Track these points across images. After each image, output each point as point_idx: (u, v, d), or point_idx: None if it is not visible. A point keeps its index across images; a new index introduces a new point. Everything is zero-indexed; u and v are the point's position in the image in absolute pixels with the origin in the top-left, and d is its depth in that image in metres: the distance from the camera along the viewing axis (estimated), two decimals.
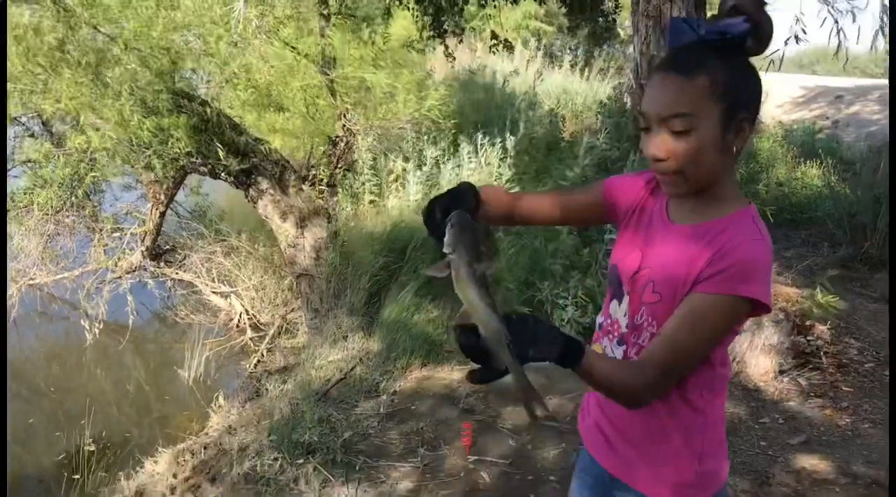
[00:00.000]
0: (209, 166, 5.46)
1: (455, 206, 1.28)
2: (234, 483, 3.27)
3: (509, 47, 8.66)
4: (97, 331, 5.99)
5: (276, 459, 3.36)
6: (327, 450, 3.42)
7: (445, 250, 1.23)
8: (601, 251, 4.81)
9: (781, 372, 3.95)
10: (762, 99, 1.28)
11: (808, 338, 4.08)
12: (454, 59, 7.73)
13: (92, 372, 5.96)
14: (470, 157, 6.75)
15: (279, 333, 5.85)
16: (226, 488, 3.24)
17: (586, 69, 12.88)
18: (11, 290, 6.38)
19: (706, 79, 1.18)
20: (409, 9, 6.68)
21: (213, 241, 6.50)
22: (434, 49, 7.70)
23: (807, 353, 4.02)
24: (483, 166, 6.72)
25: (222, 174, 5.57)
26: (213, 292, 6.27)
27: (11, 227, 6.14)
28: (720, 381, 1.37)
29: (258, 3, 5.40)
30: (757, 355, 3.99)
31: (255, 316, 6.13)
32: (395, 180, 6.68)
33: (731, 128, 1.21)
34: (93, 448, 4.42)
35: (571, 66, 13.03)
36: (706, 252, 1.23)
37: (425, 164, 6.74)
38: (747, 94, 1.22)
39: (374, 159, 6.76)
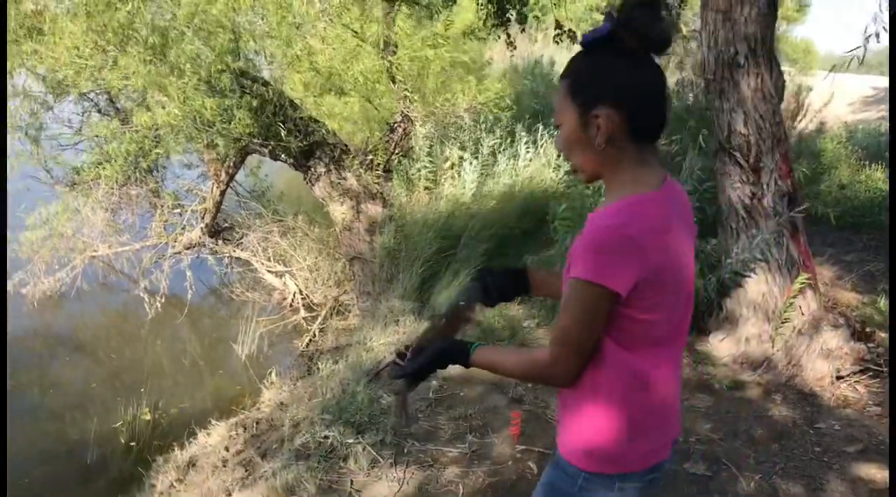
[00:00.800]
0: (270, 147, 5.55)
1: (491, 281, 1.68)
2: (284, 459, 3.33)
3: (573, 37, 8.58)
4: (157, 304, 6.16)
5: (326, 438, 3.41)
6: (377, 431, 3.46)
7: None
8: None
9: (839, 377, 3.85)
10: (645, 92, 1.34)
11: (869, 344, 3.97)
12: (515, 48, 7.68)
13: (150, 344, 6.14)
14: (528, 148, 6.72)
15: (331, 314, 5.93)
16: (276, 464, 3.30)
17: None
18: (75, 261, 6.60)
19: (568, 81, 1.36)
20: None
21: (270, 221, 6.61)
22: (497, 38, 7.66)
23: (866, 360, 3.91)
24: (541, 157, 6.68)
25: (282, 155, 5.66)
26: (269, 271, 6.39)
27: (79, 200, 6.34)
28: (620, 368, 1.41)
29: None
30: (814, 359, 3.90)
31: (308, 296, 6.22)
32: (451, 168, 6.68)
33: (590, 122, 1.33)
34: (149, 417, 4.55)
35: None
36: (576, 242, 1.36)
37: (482, 153, 6.73)
38: (607, 91, 1.31)
39: (431, 146, 6.77)
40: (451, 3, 6.46)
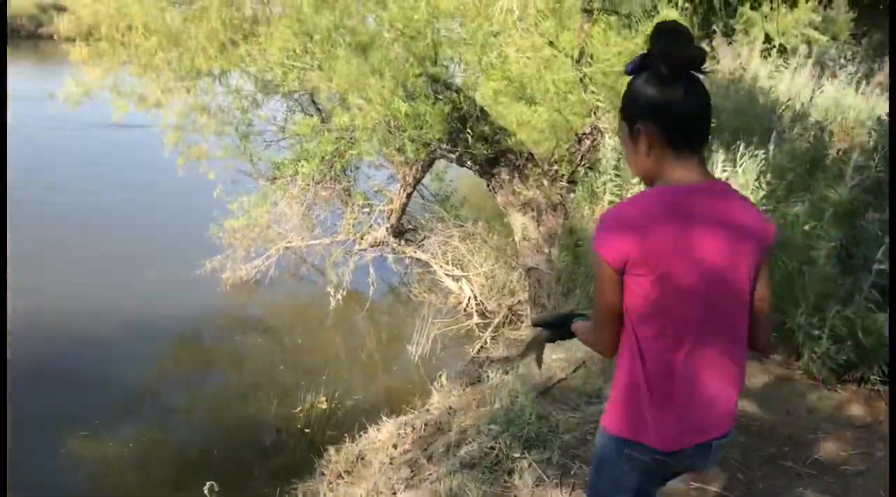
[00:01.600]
0: (457, 153, 5.62)
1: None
2: (450, 465, 3.33)
3: (783, 52, 8.03)
4: (340, 297, 6.43)
5: (492, 448, 3.37)
6: (544, 448, 3.37)
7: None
8: (867, 280, 4.30)
9: None
10: (676, 108, 1.54)
11: None
12: (718, 61, 7.31)
13: (331, 335, 6.42)
14: (724, 166, 6.34)
15: (504, 323, 5.91)
16: (442, 469, 3.30)
17: (863, 82, 11.66)
18: (270, 251, 7.03)
19: (621, 104, 1.62)
20: (677, 6, 6.40)
21: (451, 225, 6.70)
22: None
23: None
24: (739, 176, 6.28)
25: (468, 162, 5.71)
26: (446, 274, 6.48)
27: (277, 193, 6.75)
28: (629, 337, 1.60)
29: None
30: None
31: (482, 302, 6.24)
32: (638, 184, 6.45)
33: (636, 136, 1.57)
34: (325, 406, 4.74)
35: (848, 77, 11.87)
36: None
37: None
38: (644, 108, 1.55)
39: (619, 159, 6.57)
40: (652, 14, 6.23)
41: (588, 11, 5.99)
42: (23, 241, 7.67)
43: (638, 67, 1.57)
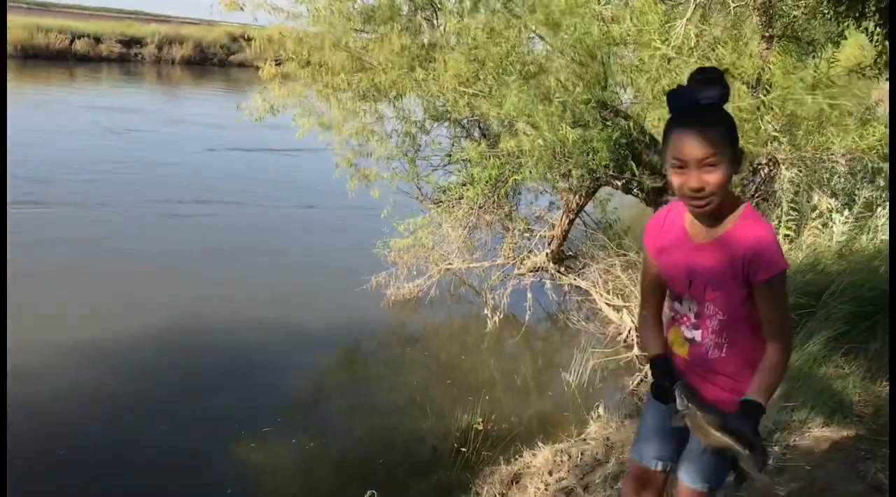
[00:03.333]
0: (623, 180, 5.54)
1: (670, 379, 1.91)
2: (606, 496, 3.27)
3: None
4: (497, 320, 6.49)
5: None
6: None
7: (680, 408, 1.76)
8: None
9: None
10: None
11: None
12: None
13: (486, 356, 6.48)
14: None
15: None
16: None
17: None
18: (432, 271, 7.22)
19: (722, 129, 1.74)
20: (867, 31, 6.01)
21: (613, 254, 6.59)
22: (887, 79, 6.82)
23: None
24: None
25: (635, 189, 5.62)
26: (607, 304, 6.37)
27: (441, 216, 6.94)
28: None
29: (700, 21, 5.31)
30: None
31: None
32: (818, 218, 6.08)
33: (736, 160, 1.77)
34: (480, 427, 4.78)
35: None
36: (739, 253, 1.80)
37: (857, 204, 6.03)
38: (737, 136, 1.78)
39: (796, 193, 6.23)
40: (837, 39, 5.90)
41: (768, 38, 5.75)
42: (221, 252, 8.34)
43: (721, 97, 1.76)
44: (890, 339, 3.75)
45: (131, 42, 31.80)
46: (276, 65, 6.57)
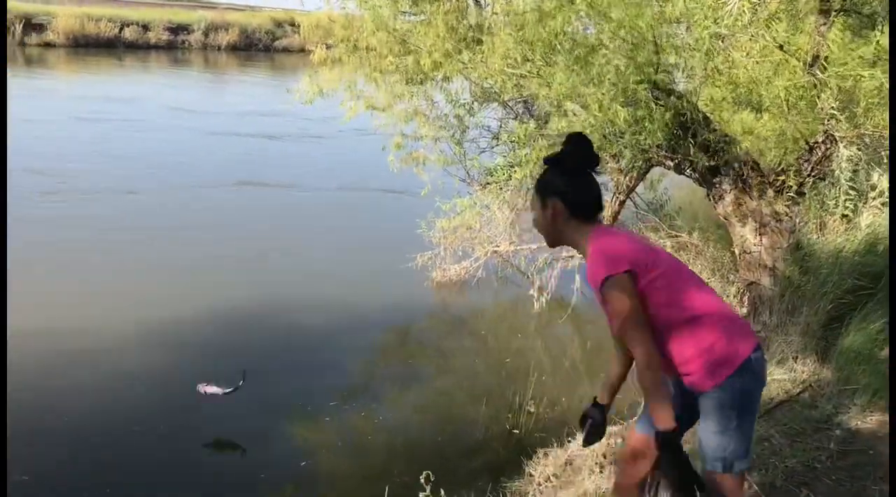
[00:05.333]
0: (676, 161, 5.44)
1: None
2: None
3: None
4: (544, 302, 6.46)
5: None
6: (766, 472, 3.20)
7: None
8: None
9: None
10: (577, 192, 2.19)
11: None
12: None
13: (534, 339, 6.47)
14: None
15: None
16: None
17: None
18: (478, 253, 7.21)
19: (536, 185, 2.27)
20: None
21: (665, 235, 6.51)
22: None
23: None
24: None
25: (687, 170, 5.52)
26: None
27: (488, 198, 6.91)
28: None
29: None
30: None
31: None
32: (878, 197, 5.92)
33: (546, 207, 2.20)
34: (533, 409, 4.77)
35: None
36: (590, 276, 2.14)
37: None
38: (557, 188, 2.18)
39: (855, 171, 6.07)
40: None
41: (825, 12, 5.58)
42: (270, 234, 8.47)
43: (553, 162, 2.22)
44: (890, 333, 3.63)
45: (178, 29, 32.19)
46: (326, 48, 6.61)
